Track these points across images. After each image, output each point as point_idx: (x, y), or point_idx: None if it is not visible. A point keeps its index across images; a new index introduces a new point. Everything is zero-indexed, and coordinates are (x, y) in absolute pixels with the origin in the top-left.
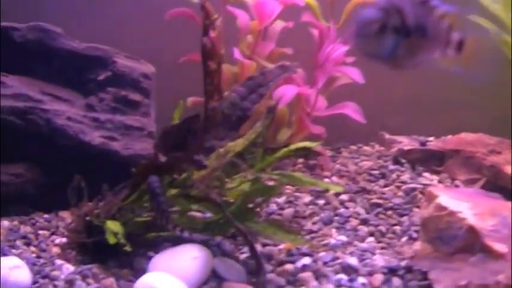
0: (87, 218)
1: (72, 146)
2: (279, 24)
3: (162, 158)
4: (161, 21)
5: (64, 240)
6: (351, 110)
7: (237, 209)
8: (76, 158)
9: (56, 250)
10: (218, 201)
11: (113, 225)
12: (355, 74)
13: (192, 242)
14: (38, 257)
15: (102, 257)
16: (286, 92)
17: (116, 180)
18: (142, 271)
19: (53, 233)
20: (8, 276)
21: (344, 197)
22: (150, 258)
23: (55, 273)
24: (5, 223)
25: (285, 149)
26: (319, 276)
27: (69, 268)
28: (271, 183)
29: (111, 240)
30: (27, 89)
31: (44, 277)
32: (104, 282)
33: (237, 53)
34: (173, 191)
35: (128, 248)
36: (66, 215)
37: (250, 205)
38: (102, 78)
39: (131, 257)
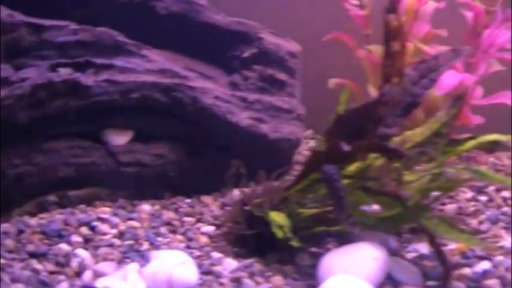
0: (246, 208)
1: (218, 127)
2: (431, 5)
3: (345, 147)
4: None
5: (211, 228)
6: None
7: (415, 205)
8: (221, 140)
9: (204, 240)
10: (404, 196)
11: (278, 218)
12: None
13: (360, 239)
14: (188, 247)
15: (260, 250)
16: (449, 79)
17: (262, 166)
18: (306, 268)
19: (198, 220)
20: (173, 272)
21: (505, 193)
22: (313, 254)
23: (217, 268)
24: (146, 207)
25: (473, 141)
26: (506, 284)
27: (230, 263)
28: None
29: (279, 234)
30: (171, 64)
31: (206, 273)
32: (273, 281)
33: None
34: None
35: (294, 244)
36: (208, 201)
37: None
38: (247, 55)
39: (292, 252)
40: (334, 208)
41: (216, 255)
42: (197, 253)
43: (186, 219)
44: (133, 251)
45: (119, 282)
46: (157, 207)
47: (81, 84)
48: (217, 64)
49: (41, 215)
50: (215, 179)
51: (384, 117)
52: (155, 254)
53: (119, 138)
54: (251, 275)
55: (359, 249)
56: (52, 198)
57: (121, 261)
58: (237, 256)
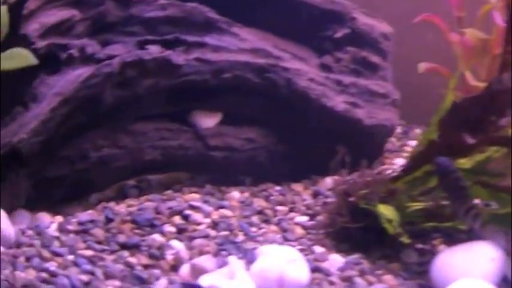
0: (350, 199)
1: (311, 111)
2: None
3: (469, 139)
4: None
5: (304, 218)
6: None
7: None
8: (314, 124)
9: (299, 231)
10: None
11: (386, 211)
12: None
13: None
14: (286, 239)
15: (364, 245)
16: None
17: (354, 153)
18: (413, 266)
19: (290, 209)
20: (285, 271)
21: None
22: (419, 251)
23: (324, 265)
24: (235, 194)
25: None
26: None
27: (336, 259)
28: None
29: (390, 229)
30: (264, 44)
31: (313, 270)
32: (385, 280)
33: (497, 16)
34: None
35: (405, 240)
36: (299, 189)
37: None
38: (339, 35)
39: (397, 248)
40: (452, 201)
41: (318, 249)
42: (298, 247)
43: (278, 208)
44: (229, 243)
45: (225, 281)
46: (246, 194)
47: (172, 63)
48: (306, 44)
49: (129, 202)
50: (305, 165)
51: (505, 108)
52: (262, 250)
53: (208, 121)
54: (361, 273)
55: (475, 249)
56: (131, 182)
57: (217, 254)
58: (338, 251)
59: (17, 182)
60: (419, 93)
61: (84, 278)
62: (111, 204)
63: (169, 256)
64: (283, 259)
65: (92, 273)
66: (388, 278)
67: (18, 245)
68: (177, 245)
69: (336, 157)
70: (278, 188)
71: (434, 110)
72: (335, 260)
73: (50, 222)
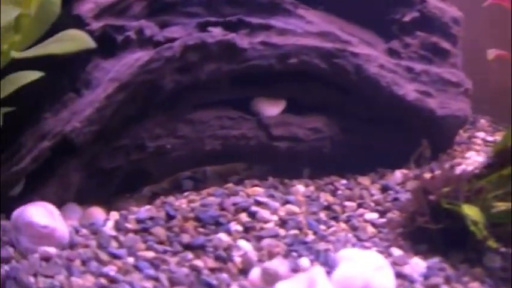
0: (430, 197)
1: (381, 99)
2: None
3: None
4: None
5: (374, 216)
6: None
7: None
8: (383, 114)
9: (370, 230)
10: None
11: (472, 212)
12: None
13: None
14: (359, 239)
15: (443, 248)
16: None
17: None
18: (497, 271)
19: (359, 205)
20: (371, 279)
21: None
22: (503, 255)
23: (405, 270)
24: (300, 188)
25: None
26: None
27: (418, 264)
28: None
29: (478, 233)
30: (331, 27)
31: (396, 276)
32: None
33: None
34: None
35: (492, 244)
36: (366, 182)
37: None
38: (408, 19)
39: (480, 252)
40: None
41: (395, 251)
42: (374, 248)
43: (346, 203)
44: (299, 243)
45: None
46: (311, 188)
47: (237, 47)
48: (372, 28)
49: (189, 196)
50: (372, 157)
51: None
52: (344, 255)
53: (271, 109)
54: (447, 281)
55: None
56: (186, 173)
57: (287, 255)
58: (416, 253)
59: (68, 174)
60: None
61: (148, 285)
62: (170, 198)
63: (236, 258)
64: (368, 266)
65: (156, 279)
66: (475, 286)
67: (72, 245)
68: (245, 245)
69: (405, 149)
70: (344, 181)
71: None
72: (417, 265)
73: (105, 220)
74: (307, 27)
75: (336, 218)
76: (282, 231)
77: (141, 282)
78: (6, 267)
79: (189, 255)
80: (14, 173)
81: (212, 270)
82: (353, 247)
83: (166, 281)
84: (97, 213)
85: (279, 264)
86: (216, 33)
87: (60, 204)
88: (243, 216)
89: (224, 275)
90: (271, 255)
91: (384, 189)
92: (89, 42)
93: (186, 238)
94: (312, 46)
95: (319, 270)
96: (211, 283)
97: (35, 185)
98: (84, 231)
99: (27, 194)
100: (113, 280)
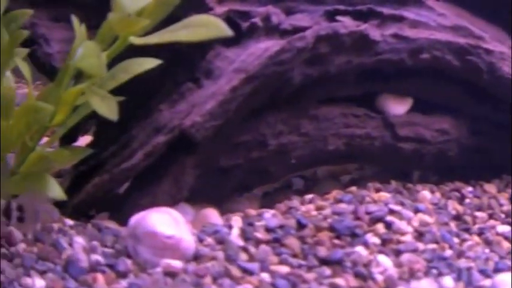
0: None
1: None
2: None
3: None
4: None
5: (507, 229)
6: None
7: None
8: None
9: (506, 245)
10: None
11: None
12: None
13: None
14: (500, 256)
15: None
16: None
17: None
18: None
19: (490, 216)
20: None
21: None
22: None
23: None
24: (427, 194)
25: None
26: None
27: None
28: None
29: None
30: (463, 20)
31: None
32: None
33: None
34: None
35: None
36: (492, 190)
37: None
38: None
39: None
40: None
41: None
42: None
43: (476, 213)
44: (438, 259)
45: None
46: (437, 194)
47: (369, 39)
48: (497, 22)
49: (317, 202)
50: (497, 163)
51: None
52: (500, 280)
53: (398, 107)
54: None
55: None
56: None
57: (427, 273)
58: None
59: (183, 172)
60: None
61: None
62: (295, 202)
63: (377, 275)
64: None
65: None
66: None
67: (197, 257)
68: (384, 260)
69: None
70: (469, 188)
71: None
72: None
73: (227, 226)
74: (440, 20)
75: (468, 230)
76: (420, 245)
77: None
78: (124, 283)
79: (326, 271)
80: (125, 170)
81: None
82: (496, 265)
83: None
84: (212, 215)
85: (427, 286)
86: (348, 23)
87: (172, 205)
88: (380, 227)
89: None
90: (412, 273)
91: None
92: (225, 30)
93: (322, 251)
94: (445, 41)
95: None
96: None
97: (144, 182)
98: (209, 240)
99: (135, 193)
100: None
